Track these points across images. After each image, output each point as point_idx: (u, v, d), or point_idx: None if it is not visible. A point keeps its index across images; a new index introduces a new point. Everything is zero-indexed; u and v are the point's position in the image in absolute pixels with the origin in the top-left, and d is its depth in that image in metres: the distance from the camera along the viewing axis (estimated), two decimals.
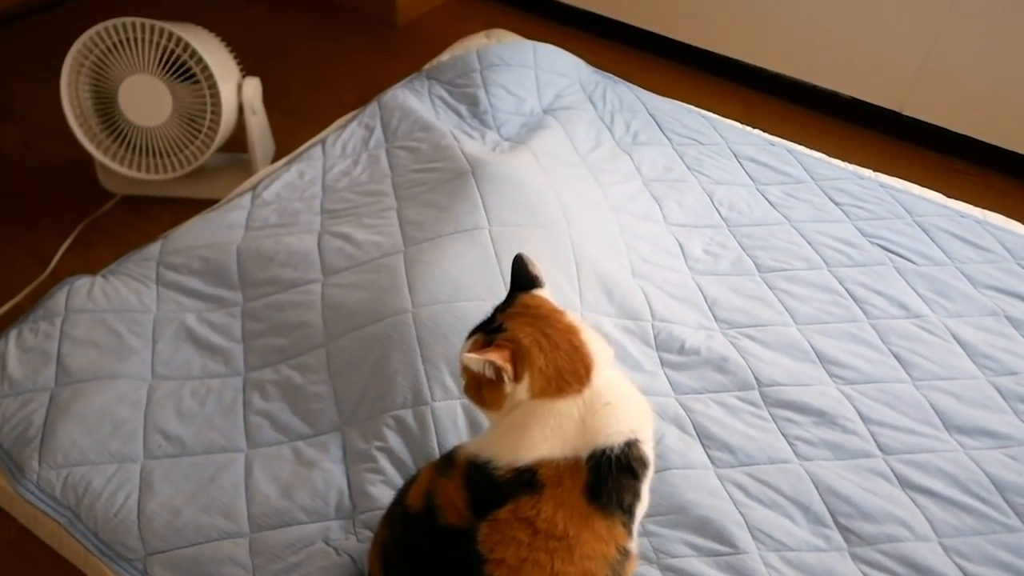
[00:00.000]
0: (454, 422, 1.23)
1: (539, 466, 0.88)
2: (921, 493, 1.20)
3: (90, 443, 1.22)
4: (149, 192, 2.22)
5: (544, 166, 1.73)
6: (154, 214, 2.16)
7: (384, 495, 1.15)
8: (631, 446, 0.90)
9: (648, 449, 0.93)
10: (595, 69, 2.24)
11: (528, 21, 3.05)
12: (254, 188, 1.73)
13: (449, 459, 0.96)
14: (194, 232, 1.62)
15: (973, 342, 1.44)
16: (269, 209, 1.67)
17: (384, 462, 1.20)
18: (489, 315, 1.00)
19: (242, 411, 1.30)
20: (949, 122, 2.55)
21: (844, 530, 1.15)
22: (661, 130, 2.00)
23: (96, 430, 1.24)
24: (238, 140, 2.16)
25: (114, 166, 2.07)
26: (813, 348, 1.42)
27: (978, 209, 1.80)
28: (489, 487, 0.89)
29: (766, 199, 1.80)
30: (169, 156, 2.06)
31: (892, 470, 1.23)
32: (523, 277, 1.02)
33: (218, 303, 1.48)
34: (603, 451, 0.89)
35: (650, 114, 2.06)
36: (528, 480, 0.88)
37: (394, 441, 1.22)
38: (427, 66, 2.16)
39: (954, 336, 1.46)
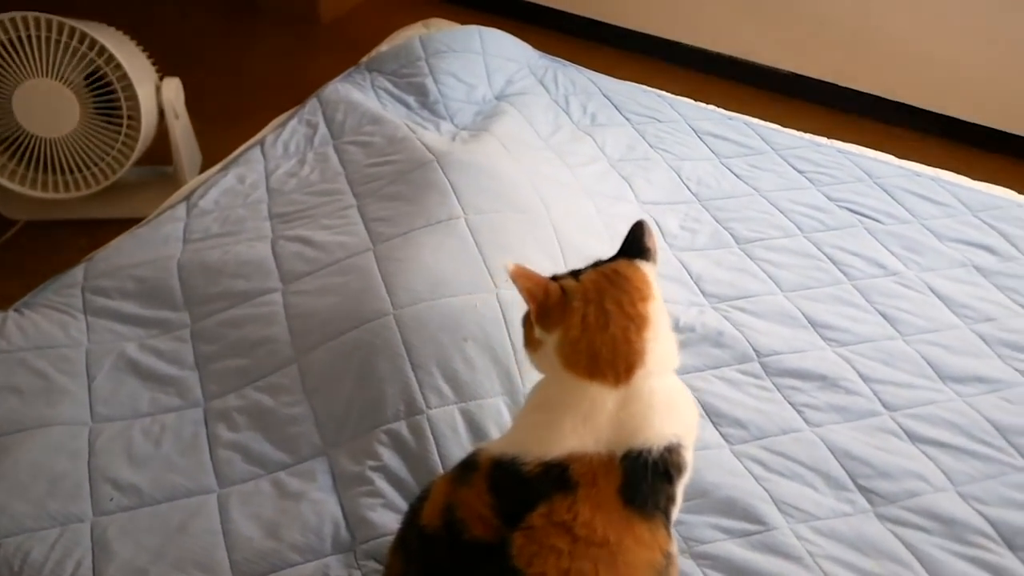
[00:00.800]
0: (454, 430, 1.10)
1: (570, 461, 0.81)
2: (930, 445, 1.20)
3: (23, 507, 1.03)
4: (57, 215, 1.97)
5: (511, 152, 1.63)
6: (66, 241, 1.92)
7: (387, 520, 1.01)
8: (672, 451, 0.84)
9: (689, 455, 0.87)
10: (542, 53, 2.15)
11: (459, 13, 2.89)
12: (188, 198, 1.55)
13: (468, 465, 0.88)
14: (123, 251, 1.43)
15: (949, 294, 1.46)
16: (209, 218, 1.49)
17: (381, 483, 1.06)
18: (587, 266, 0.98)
19: (207, 446, 1.13)
20: (885, 91, 2.66)
21: (866, 491, 1.13)
22: (618, 110, 1.95)
23: (29, 490, 1.05)
24: (158, 151, 1.96)
25: (12, 186, 1.82)
26: (803, 314, 1.40)
27: (930, 168, 1.85)
28: (518, 486, 0.82)
29: (731, 172, 1.78)
30: (79, 172, 1.83)
31: (900, 426, 1.22)
32: (634, 245, 0.95)
33: (161, 327, 1.29)
34: (639, 452, 0.82)
35: (605, 95, 2.00)
36: (559, 476, 0.81)
37: (390, 458, 1.08)
38: (365, 58, 2.02)
39: (931, 290, 1.48)
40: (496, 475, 0.84)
